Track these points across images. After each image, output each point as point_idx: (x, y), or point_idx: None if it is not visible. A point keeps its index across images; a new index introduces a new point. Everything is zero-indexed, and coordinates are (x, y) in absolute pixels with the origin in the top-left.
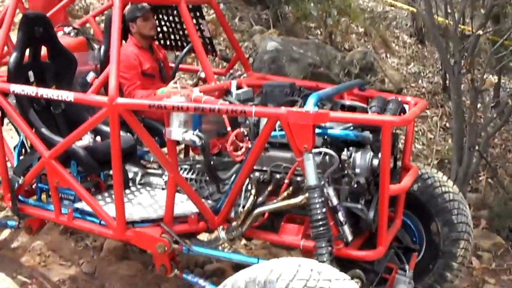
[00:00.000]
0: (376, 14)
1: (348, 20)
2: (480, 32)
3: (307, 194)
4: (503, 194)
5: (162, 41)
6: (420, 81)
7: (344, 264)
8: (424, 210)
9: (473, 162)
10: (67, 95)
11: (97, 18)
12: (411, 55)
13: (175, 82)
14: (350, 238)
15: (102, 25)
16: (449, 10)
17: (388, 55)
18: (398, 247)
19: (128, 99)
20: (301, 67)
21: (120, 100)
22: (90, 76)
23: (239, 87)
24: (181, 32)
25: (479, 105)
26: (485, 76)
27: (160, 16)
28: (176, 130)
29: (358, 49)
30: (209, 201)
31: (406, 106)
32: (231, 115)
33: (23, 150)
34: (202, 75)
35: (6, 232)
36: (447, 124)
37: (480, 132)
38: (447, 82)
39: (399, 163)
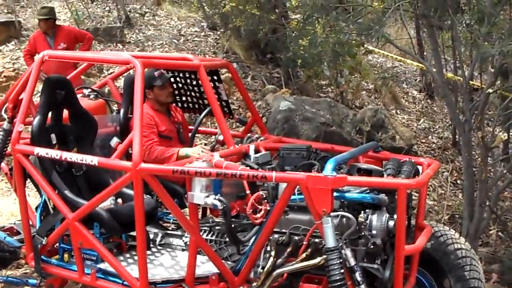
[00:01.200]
0: (385, 70)
1: (359, 77)
2: (490, 90)
3: (325, 256)
4: None
5: (179, 104)
6: (430, 137)
7: None
8: (437, 267)
9: (484, 218)
10: (91, 159)
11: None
12: (420, 111)
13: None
14: None
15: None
16: (458, 65)
17: (398, 111)
18: None
19: (152, 164)
20: (314, 126)
21: (144, 165)
22: (114, 141)
23: (257, 150)
24: (198, 95)
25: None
26: (495, 133)
27: (178, 79)
28: (198, 195)
29: (369, 107)
30: (229, 262)
31: (419, 167)
32: (252, 180)
33: (45, 211)
34: (220, 137)
35: None
36: (458, 180)
37: (490, 188)
38: (457, 137)
39: (413, 222)
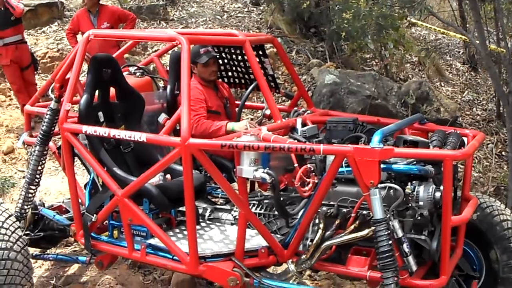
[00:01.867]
0: (428, 43)
1: (403, 50)
2: None
3: (373, 227)
4: None
5: (225, 79)
6: (474, 109)
7: None
8: (483, 238)
9: None
10: (139, 136)
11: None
12: (464, 83)
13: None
14: (414, 268)
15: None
16: (500, 37)
17: (442, 84)
18: (459, 275)
19: (200, 139)
20: (359, 100)
21: (193, 140)
22: (162, 117)
23: (304, 124)
24: (244, 70)
25: None
26: None
27: (224, 55)
28: (247, 169)
29: (414, 79)
30: (278, 235)
31: (465, 139)
32: (300, 153)
33: (94, 189)
34: (267, 112)
35: (75, 267)
36: (503, 152)
37: None
38: (501, 109)
39: (458, 193)
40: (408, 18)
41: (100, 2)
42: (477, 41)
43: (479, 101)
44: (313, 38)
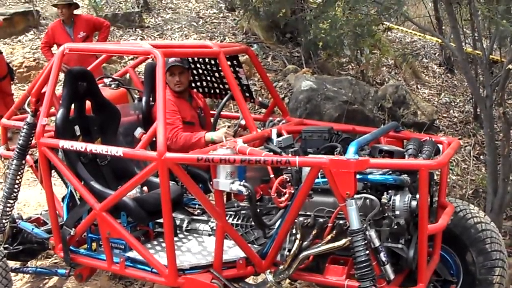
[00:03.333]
0: (404, 45)
1: (379, 54)
2: (510, 66)
3: (350, 238)
4: None
5: (200, 89)
6: (451, 111)
7: None
8: (459, 242)
9: (508, 192)
10: (116, 151)
11: None
12: (441, 85)
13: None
14: (392, 277)
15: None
16: (476, 38)
17: (419, 86)
18: (436, 281)
19: (176, 154)
20: (336, 105)
21: (169, 154)
22: (138, 131)
23: (279, 134)
24: (219, 80)
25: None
26: None
27: (198, 65)
28: (224, 181)
29: (390, 83)
30: (255, 246)
31: (440, 146)
32: (276, 165)
33: (72, 202)
34: (242, 122)
35: (55, 279)
36: (481, 156)
37: None
38: (478, 111)
39: (435, 199)
40: (384, 23)
41: (75, 12)
42: (454, 45)
43: (456, 103)
44: (289, 43)
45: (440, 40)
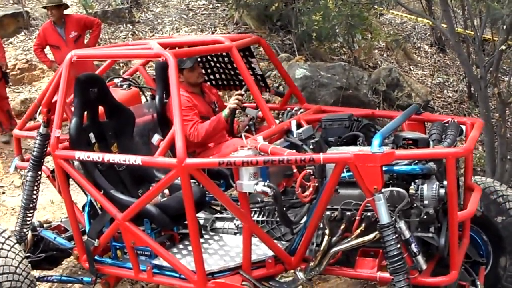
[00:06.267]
0: (395, 27)
1: (370, 37)
2: (503, 47)
3: (380, 232)
4: None
5: (213, 82)
6: (445, 91)
7: (418, 287)
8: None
9: (506, 170)
10: (134, 159)
11: None
12: (433, 65)
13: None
14: (424, 267)
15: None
16: (467, 17)
17: (411, 68)
18: (466, 262)
19: (197, 159)
20: (331, 92)
21: (189, 160)
22: (156, 138)
23: (298, 125)
24: (232, 72)
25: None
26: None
27: (210, 58)
28: (247, 183)
29: (383, 66)
30: (283, 242)
31: (463, 127)
32: (300, 164)
33: (93, 210)
34: (259, 113)
35: None
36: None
37: (510, 142)
38: (472, 90)
39: (460, 182)
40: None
41: (65, 12)
42: (445, 26)
43: (449, 83)
44: (280, 31)
45: (431, 22)
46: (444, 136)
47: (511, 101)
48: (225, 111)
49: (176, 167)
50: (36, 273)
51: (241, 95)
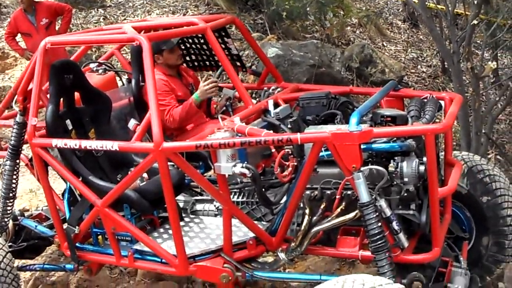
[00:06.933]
0: (367, 3)
1: (342, 14)
2: (475, 21)
3: (360, 210)
4: None
5: (190, 63)
6: (419, 66)
7: (401, 264)
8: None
9: (482, 143)
10: (112, 145)
11: None
12: (407, 41)
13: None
14: (406, 244)
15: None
16: None
17: (384, 44)
18: (448, 238)
19: (174, 143)
20: (304, 70)
21: (166, 144)
22: (132, 123)
23: (276, 104)
24: (208, 53)
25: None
26: (484, 58)
27: (185, 39)
28: (225, 165)
29: (356, 43)
30: (263, 222)
31: (442, 102)
32: (277, 145)
33: (72, 197)
34: (236, 93)
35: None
36: None
37: (485, 116)
38: (446, 64)
39: (441, 157)
40: None
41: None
42: (416, 1)
43: (423, 58)
44: (251, 11)
45: None
46: (422, 112)
47: (485, 75)
48: (196, 95)
49: (153, 152)
50: (18, 263)
51: (215, 82)
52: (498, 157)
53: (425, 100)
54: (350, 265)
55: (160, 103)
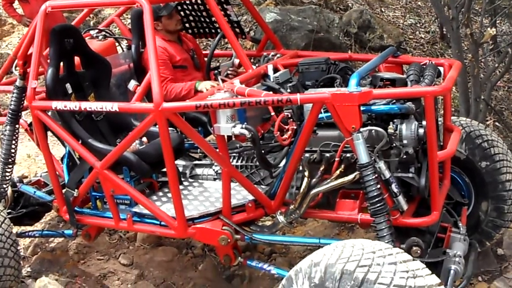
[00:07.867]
0: None
1: None
2: None
3: (359, 172)
4: None
5: (189, 30)
6: (417, 32)
7: (400, 229)
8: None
9: (481, 110)
10: (111, 106)
11: None
12: (405, 6)
13: (215, 79)
14: (405, 207)
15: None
16: None
17: (383, 9)
18: (448, 204)
19: (174, 103)
20: (302, 35)
21: (166, 104)
22: (132, 84)
23: (275, 69)
24: (207, 19)
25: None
26: (483, 24)
27: (185, 6)
28: (225, 126)
29: (354, 8)
30: (263, 186)
31: (441, 68)
32: (277, 105)
33: (71, 162)
34: (236, 60)
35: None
36: None
37: (483, 82)
38: (444, 30)
39: (440, 122)
40: None
41: None
42: None
43: (421, 24)
44: None
45: None
46: (422, 77)
47: (484, 41)
48: (200, 86)
49: (153, 112)
50: (18, 229)
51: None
52: (497, 123)
53: (424, 66)
54: (349, 230)
55: None
